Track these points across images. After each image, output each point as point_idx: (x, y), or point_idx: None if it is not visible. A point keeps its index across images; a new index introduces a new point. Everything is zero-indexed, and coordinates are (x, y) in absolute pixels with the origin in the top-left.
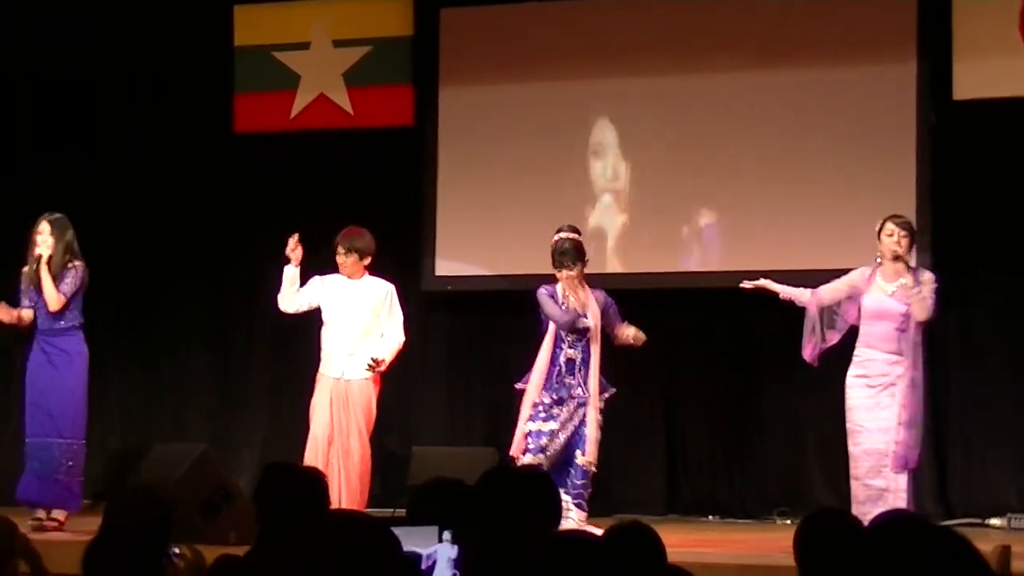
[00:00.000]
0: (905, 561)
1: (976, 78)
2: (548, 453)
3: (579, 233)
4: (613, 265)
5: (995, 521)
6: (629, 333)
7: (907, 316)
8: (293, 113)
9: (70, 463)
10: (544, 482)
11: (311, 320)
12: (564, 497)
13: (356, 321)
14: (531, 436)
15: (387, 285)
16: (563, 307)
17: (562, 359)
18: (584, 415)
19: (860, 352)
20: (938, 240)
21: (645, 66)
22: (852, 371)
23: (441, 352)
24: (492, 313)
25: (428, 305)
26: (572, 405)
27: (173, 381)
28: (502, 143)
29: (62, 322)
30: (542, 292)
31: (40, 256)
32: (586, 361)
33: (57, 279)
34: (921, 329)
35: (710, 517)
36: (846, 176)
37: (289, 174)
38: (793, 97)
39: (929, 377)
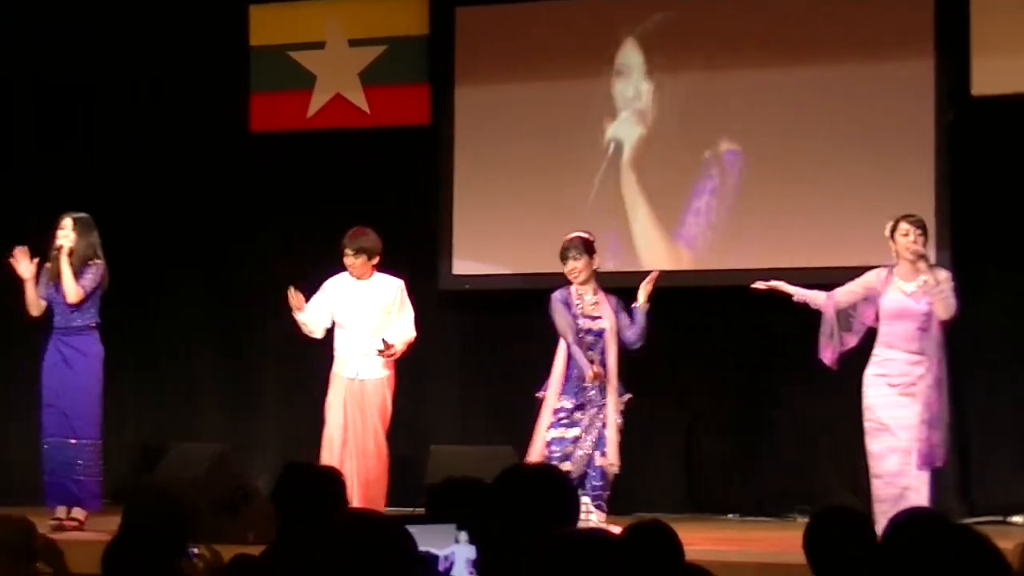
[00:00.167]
0: (924, 559)
1: (994, 74)
2: (573, 459)
3: (590, 236)
4: (627, 179)
5: (1017, 519)
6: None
7: (929, 315)
8: (309, 113)
9: (86, 463)
10: (561, 480)
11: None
12: (584, 500)
13: (368, 321)
14: (554, 444)
15: (396, 282)
16: (575, 312)
17: (574, 364)
18: (604, 418)
19: (880, 352)
20: (957, 237)
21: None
22: (871, 370)
23: (458, 351)
24: (509, 312)
25: (445, 304)
26: (593, 409)
27: (191, 381)
28: (518, 141)
29: (78, 320)
30: (556, 299)
31: (61, 247)
32: (603, 364)
33: (78, 274)
34: (943, 328)
35: (729, 516)
36: (863, 173)
37: (305, 174)
38: (810, 94)
39: (951, 375)
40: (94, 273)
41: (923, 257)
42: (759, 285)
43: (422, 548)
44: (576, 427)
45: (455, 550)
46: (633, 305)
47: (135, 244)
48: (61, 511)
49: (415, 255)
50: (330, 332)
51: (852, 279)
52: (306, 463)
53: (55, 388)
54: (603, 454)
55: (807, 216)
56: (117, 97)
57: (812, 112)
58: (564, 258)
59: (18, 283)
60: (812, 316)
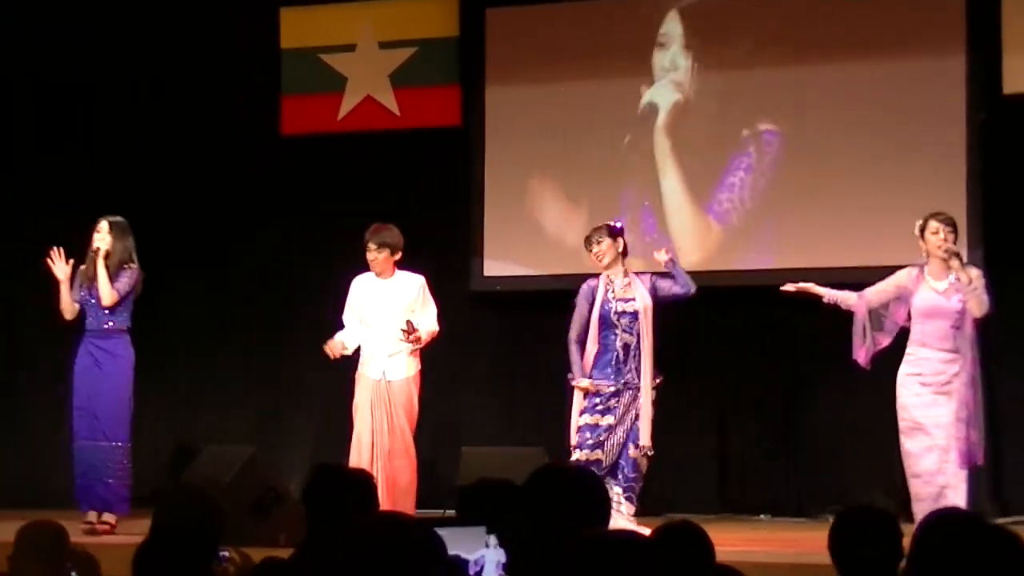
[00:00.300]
0: (956, 560)
1: None
2: (605, 448)
3: (623, 229)
4: (661, 145)
5: None
6: (664, 259)
7: (962, 313)
8: (340, 115)
9: (116, 466)
10: (593, 481)
11: None
12: (616, 490)
13: (392, 320)
14: (587, 430)
15: (418, 278)
16: (608, 297)
17: (618, 344)
18: (638, 407)
19: (913, 351)
20: (988, 235)
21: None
22: (904, 369)
23: (490, 352)
24: (541, 312)
25: (476, 305)
26: (628, 396)
27: (223, 383)
28: (549, 142)
29: (111, 323)
30: (582, 290)
31: (98, 250)
32: (639, 346)
33: (113, 277)
34: (976, 325)
35: (761, 516)
36: (896, 172)
37: (336, 176)
38: (841, 93)
39: (983, 373)
40: (129, 277)
41: (956, 255)
42: (788, 288)
43: (452, 552)
44: (610, 414)
45: (485, 554)
46: (664, 264)
47: (165, 245)
48: (92, 515)
49: (446, 256)
50: None
51: (882, 278)
52: (336, 465)
53: (86, 390)
54: (636, 446)
55: (838, 214)
56: (117, 97)
57: (846, 108)
58: (588, 245)
59: (52, 286)
60: (845, 316)
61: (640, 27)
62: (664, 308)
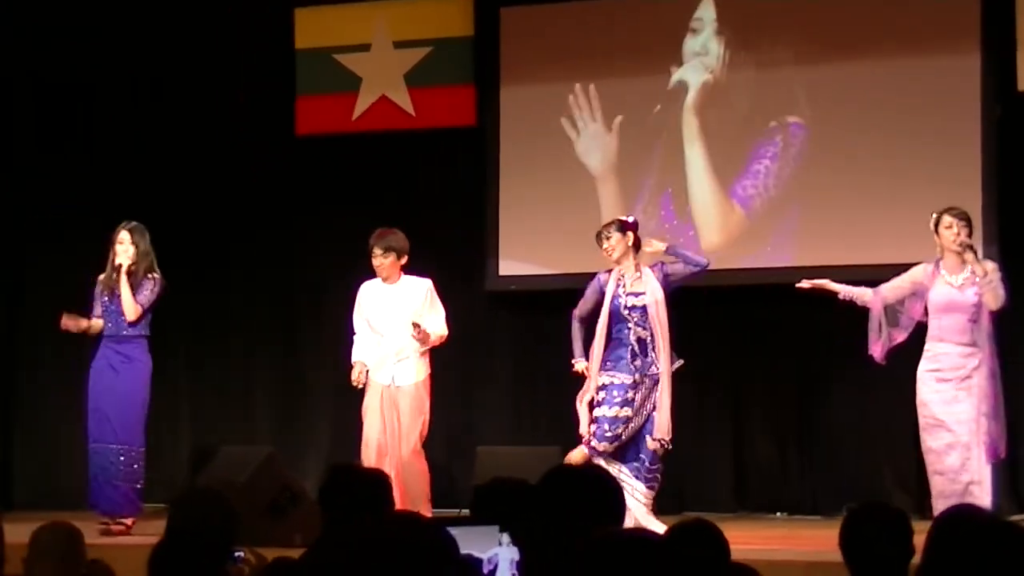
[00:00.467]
0: (971, 556)
1: None
2: (622, 439)
3: (636, 224)
4: (690, 125)
5: None
6: (660, 247)
7: (978, 306)
8: (355, 115)
9: (126, 470)
10: (607, 480)
11: None
12: (631, 479)
13: (400, 326)
14: (604, 422)
15: (424, 282)
16: (618, 292)
17: (632, 338)
18: (656, 399)
19: (931, 346)
20: (1004, 231)
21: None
22: (923, 365)
23: (505, 351)
24: (556, 312)
25: (492, 305)
26: (645, 388)
27: (240, 383)
28: (564, 141)
29: (130, 330)
30: (593, 281)
31: (120, 266)
32: (654, 339)
33: (135, 289)
34: (993, 318)
35: (777, 514)
36: (910, 169)
37: (351, 176)
38: (856, 90)
39: (1001, 367)
40: (151, 289)
41: (970, 248)
42: (804, 284)
43: (465, 551)
44: (629, 407)
45: (498, 552)
46: (666, 251)
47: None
48: (107, 516)
49: (461, 256)
50: None
51: (898, 274)
52: (351, 465)
53: (101, 393)
54: (652, 435)
55: (853, 213)
56: (120, 97)
57: (857, 109)
58: (599, 240)
59: (74, 292)
60: (861, 312)
61: (656, 24)
62: (679, 305)
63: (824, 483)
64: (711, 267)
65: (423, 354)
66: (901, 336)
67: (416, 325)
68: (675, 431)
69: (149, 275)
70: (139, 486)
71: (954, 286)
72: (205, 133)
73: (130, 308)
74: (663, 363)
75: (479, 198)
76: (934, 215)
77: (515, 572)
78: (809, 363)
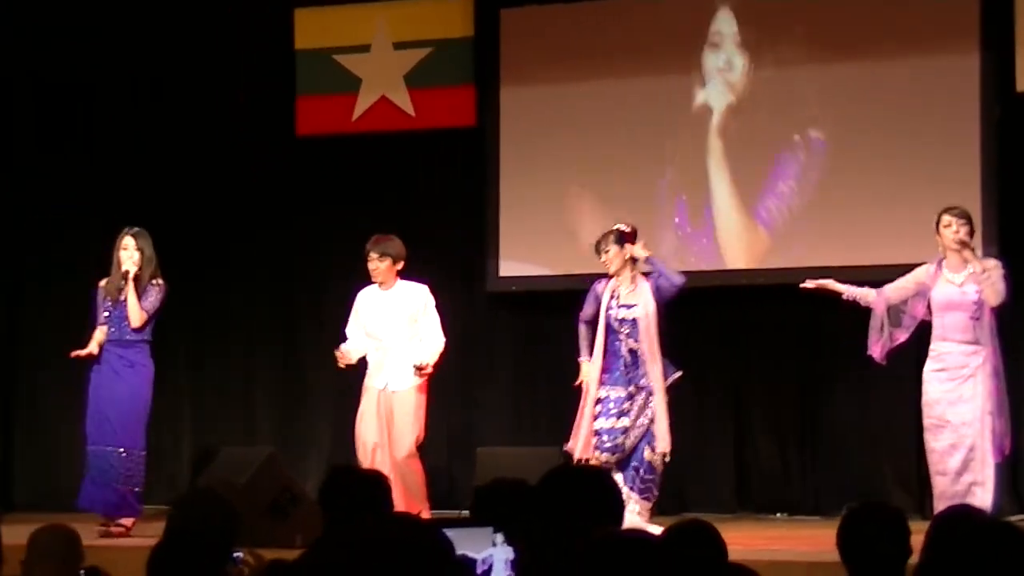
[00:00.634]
0: (968, 557)
1: None
2: (624, 450)
3: (634, 232)
4: (715, 149)
5: None
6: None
7: (979, 304)
8: (355, 116)
9: (127, 473)
10: (605, 481)
11: None
12: (625, 487)
13: (395, 331)
14: (604, 433)
15: (421, 288)
16: (611, 303)
17: (624, 350)
18: (652, 410)
19: (936, 346)
20: (1004, 231)
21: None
22: (929, 365)
23: (506, 353)
24: (556, 313)
25: (493, 306)
26: (641, 399)
27: (240, 383)
28: (564, 142)
29: (133, 334)
30: (591, 289)
31: (127, 272)
32: (640, 350)
33: (140, 295)
34: (994, 315)
35: (778, 515)
36: (909, 169)
37: (351, 177)
38: (855, 90)
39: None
40: (156, 296)
41: (966, 245)
42: (808, 284)
43: (460, 551)
44: (626, 417)
45: (493, 553)
46: (645, 260)
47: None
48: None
49: (461, 257)
50: None
51: (900, 275)
52: (351, 466)
53: (102, 396)
54: (652, 449)
55: (852, 213)
56: (117, 97)
57: (857, 109)
58: (596, 252)
59: (74, 292)
60: (862, 313)
61: (656, 25)
62: (680, 305)
63: (825, 483)
64: (710, 269)
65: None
66: (902, 336)
67: (416, 368)
68: (675, 434)
69: (153, 281)
70: (138, 489)
71: (956, 284)
72: (205, 133)
73: (136, 314)
74: (655, 376)
75: (479, 199)
76: (936, 215)
77: (510, 572)
78: (810, 363)
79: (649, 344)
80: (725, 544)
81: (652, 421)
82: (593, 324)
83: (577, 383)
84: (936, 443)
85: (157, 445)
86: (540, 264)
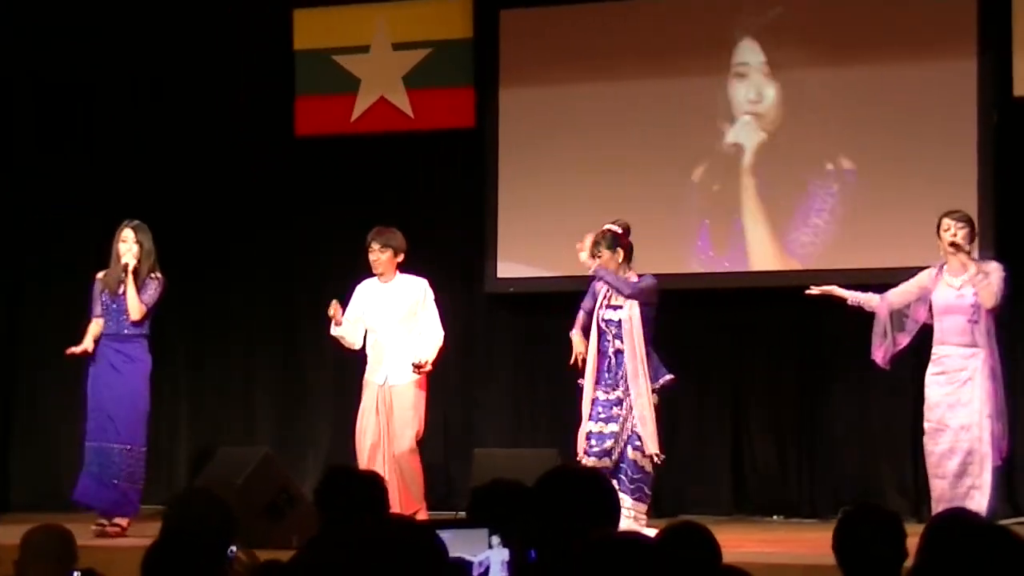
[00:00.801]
0: (963, 561)
1: None
2: (613, 456)
3: (626, 230)
4: (748, 188)
5: None
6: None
7: (977, 307)
8: (354, 116)
9: (129, 470)
10: (602, 483)
11: None
12: (622, 496)
13: (395, 324)
14: (592, 438)
15: (420, 281)
16: (601, 303)
17: (611, 351)
18: (636, 412)
19: (937, 350)
20: (1001, 236)
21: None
22: (930, 369)
23: (505, 354)
24: (555, 314)
25: (492, 306)
26: (628, 402)
27: (240, 383)
28: (563, 143)
29: (131, 329)
30: (591, 285)
31: (127, 265)
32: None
33: (139, 288)
34: (992, 318)
35: (774, 517)
36: (906, 174)
37: (350, 177)
38: (853, 94)
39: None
40: (155, 289)
41: (959, 248)
42: (813, 291)
43: (456, 554)
44: (614, 422)
45: (489, 555)
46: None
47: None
48: (103, 517)
49: (460, 258)
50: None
51: (896, 277)
52: (348, 466)
53: (101, 393)
54: (635, 448)
55: (851, 217)
56: (117, 97)
57: (854, 113)
58: (591, 254)
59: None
60: (865, 316)
61: (656, 26)
62: (679, 306)
63: (822, 486)
64: (709, 271)
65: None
66: (904, 340)
67: (415, 367)
68: (673, 435)
69: (152, 274)
70: (139, 486)
71: (954, 288)
72: (205, 133)
73: (135, 308)
74: (640, 377)
75: (478, 200)
76: (938, 218)
77: (504, 574)
78: (809, 365)
79: (631, 346)
80: (719, 546)
81: (639, 423)
82: (591, 316)
83: (573, 360)
84: (935, 446)
85: (156, 445)
86: (539, 265)
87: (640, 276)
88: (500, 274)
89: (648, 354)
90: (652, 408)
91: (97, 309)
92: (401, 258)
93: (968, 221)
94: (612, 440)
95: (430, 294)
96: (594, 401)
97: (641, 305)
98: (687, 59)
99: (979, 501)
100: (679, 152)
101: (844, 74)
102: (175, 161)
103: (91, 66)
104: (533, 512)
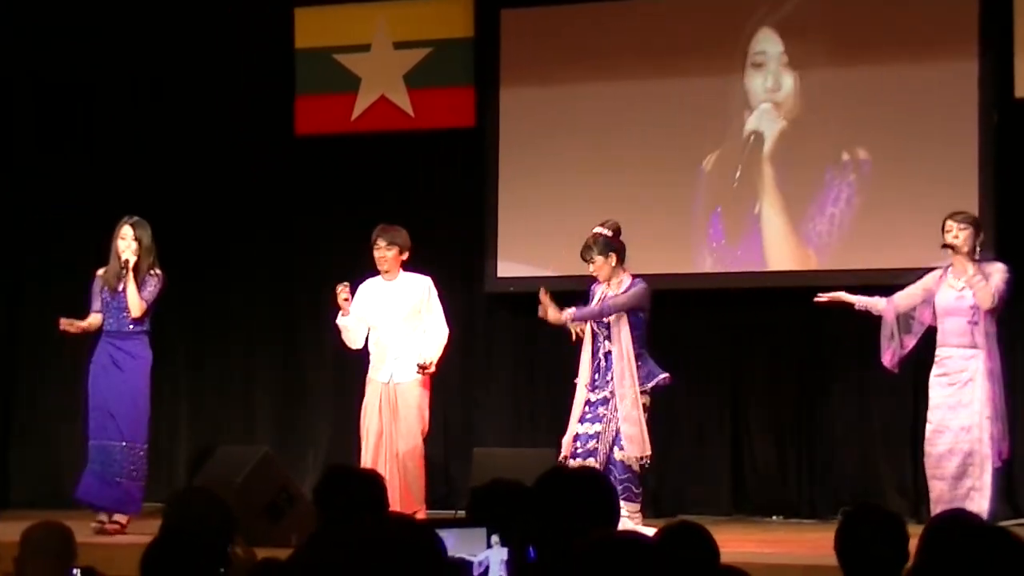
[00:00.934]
0: (962, 562)
1: None
2: (599, 458)
3: (616, 231)
4: (767, 176)
5: None
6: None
7: (976, 308)
8: (354, 115)
9: (131, 467)
10: (602, 482)
11: None
12: None
13: (399, 322)
14: (579, 439)
15: (425, 279)
16: (594, 302)
17: (601, 353)
18: (624, 412)
19: (939, 352)
20: (1002, 237)
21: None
22: (933, 371)
23: (505, 353)
24: None
25: (491, 306)
26: (614, 402)
27: (240, 383)
28: (564, 143)
29: (131, 325)
30: (591, 288)
31: (127, 262)
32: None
33: (139, 285)
34: (992, 319)
35: (774, 517)
36: (907, 174)
37: (350, 176)
38: (854, 95)
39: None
40: (154, 285)
41: (955, 249)
42: (821, 298)
43: (456, 554)
44: (599, 422)
45: (489, 554)
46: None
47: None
48: (103, 515)
49: (460, 258)
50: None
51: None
52: (347, 465)
53: (103, 390)
54: (621, 448)
55: (852, 217)
56: (117, 97)
57: (856, 114)
58: (583, 259)
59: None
60: (864, 317)
61: (657, 25)
62: (682, 308)
63: (822, 486)
64: (709, 271)
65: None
66: (911, 342)
67: (421, 367)
68: (672, 435)
69: (152, 271)
70: (142, 483)
71: (956, 290)
72: (205, 133)
73: (136, 305)
74: (626, 379)
75: (478, 199)
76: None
77: (503, 573)
78: (809, 366)
79: (619, 348)
80: (717, 546)
81: (624, 421)
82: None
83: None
84: (934, 448)
85: (156, 444)
86: (539, 265)
87: (634, 278)
88: (500, 274)
89: (640, 356)
90: (640, 410)
91: (96, 304)
92: (406, 256)
93: (971, 222)
94: (595, 440)
95: (434, 292)
96: (586, 403)
97: (630, 310)
98: (689, 57)
99: (979, 503)
100: (684, 148)
101: (846, 74)
102: (175, 161)
103: (91, 66)
104: (533, 512)
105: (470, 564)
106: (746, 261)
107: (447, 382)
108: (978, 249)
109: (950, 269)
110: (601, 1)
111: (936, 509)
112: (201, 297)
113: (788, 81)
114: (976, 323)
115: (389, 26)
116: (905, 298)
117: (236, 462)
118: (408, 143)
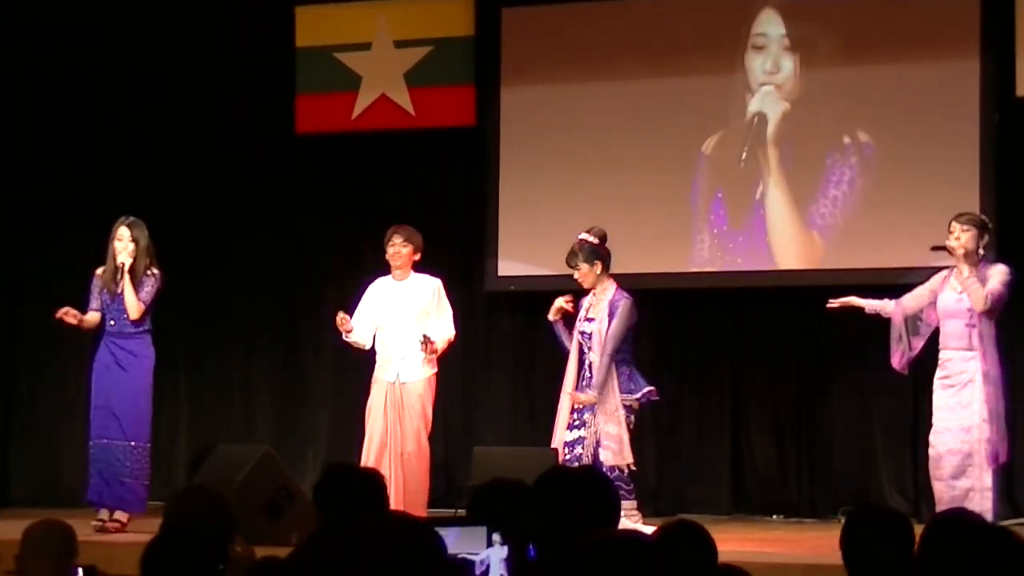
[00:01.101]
0: (962, 561)
1: None
2: (585, 462)
3: (602, 238)
4: (771, 158)
5: None
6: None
7: (972, 311)
8: (355, 114)
9: (134, 466)
10: (601, 482)
11: None
12: None
13: (408, 323)
14: (568, 446)
15: (434, 281)
16: (580, 315)
17: (587, 362)
18: (605, 420)
19: (941, 354)
20: (1002, 236)
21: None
22: (937, 373)
23: (505, 352)
24: None
25: (491, 305)
26: (598, 408)
27: (240, 383)
28: (564, 142)
29: (132, 326)
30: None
31: (123, 264)
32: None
33: (137, 286)
34: (991, 321)
35: (774, 517)
36: (909, 174)
37: (350, 175)
38: (856, 94)
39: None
40: (152, 285)
41: (950, 250)
42: (833, 304)
43: (456, 552)
44: (584, 428)
45: (489, 553)
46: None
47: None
48: (104, 513)
49: (460, 257)
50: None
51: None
52: (347, 464)
53: (105, 390)
54: (606, 449)
55: (853, 216)
56: (117, 97)
57: (857, 113)
58: (568, 266)
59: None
60: (864, 318)
61: (658, 25)
62: (682, 308)
63: (822, 486)
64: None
65: (429, 358)
66: (919, 344)
67: (425, 338)
68: (672, 436)
69: (149, 271)
70: (146, 482)
71: (956, 292)
72: (205, 132)
73: (133, 307)
74: (606, 386)
75: (479, 198)
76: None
77: (503, 572)
78: (809, 365)
79: (599, 358)
80: (715, 545)
81: (599, 435)
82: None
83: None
84: (934, 448)
85: (156, 444)
86: (539, 264)
87: (618, 289)
88: (501, 272)
89: (624, 363)
90: (621, 419)
91: (94, 303)
92: (419, 256)
93: (975, 224)
94: (582, 446)
95: (444, 294)
96: (572, 410)
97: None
98: (690, 54)
99: (979, 503)
100: (685, 140)
101: (846, 72)
102: (175, 161)
103: (91, 66)
104: (533, 511)
105: (472, 563)
106: (749, 246)
107: (447, 382)
108: (982, 251)
109: (953, 272)
110: (603, 0)
111: (938, 509)
112: (201, 297)
113: (788, 64)
114: (974, 326)
115: (390, 25)
116: (912, 300)
117: (236, 461)
118: (408, 142)
